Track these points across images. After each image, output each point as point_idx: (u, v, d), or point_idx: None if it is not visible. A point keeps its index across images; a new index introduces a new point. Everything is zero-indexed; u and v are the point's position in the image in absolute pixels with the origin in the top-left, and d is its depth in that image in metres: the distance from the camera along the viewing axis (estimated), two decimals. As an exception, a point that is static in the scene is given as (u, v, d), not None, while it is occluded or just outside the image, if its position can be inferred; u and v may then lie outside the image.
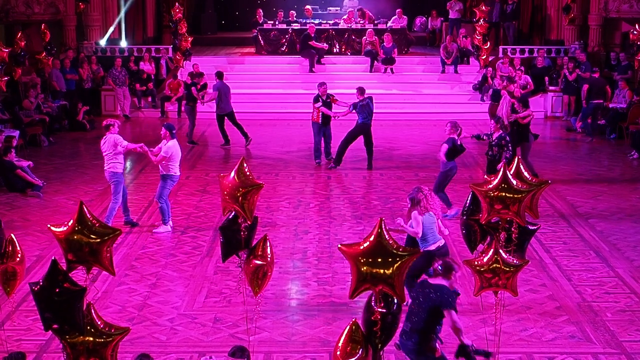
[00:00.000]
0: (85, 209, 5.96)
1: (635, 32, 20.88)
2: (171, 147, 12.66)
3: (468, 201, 7.32)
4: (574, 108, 22.03)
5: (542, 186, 6.94)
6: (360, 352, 5.69)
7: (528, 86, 21.01)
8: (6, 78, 18.78)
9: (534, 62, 23.40)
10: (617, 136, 20.03)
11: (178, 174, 12.89)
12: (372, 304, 5.82)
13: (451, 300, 7.16)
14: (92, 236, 5.77)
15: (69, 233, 5.79)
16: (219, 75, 19.35)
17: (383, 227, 5.68)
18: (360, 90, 16.74)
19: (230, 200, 6.86)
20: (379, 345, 5.81)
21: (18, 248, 6.78)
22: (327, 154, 17.25)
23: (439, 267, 7.30)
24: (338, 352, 5.72)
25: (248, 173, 6.99)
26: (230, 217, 7.15)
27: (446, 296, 7.15)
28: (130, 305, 10.09)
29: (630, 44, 21.43)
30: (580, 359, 8.71)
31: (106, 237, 5.82)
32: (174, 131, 12.82)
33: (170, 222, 12.91)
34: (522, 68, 22.32)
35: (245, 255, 7.25)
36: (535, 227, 7.36)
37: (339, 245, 5.89)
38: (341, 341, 5.76)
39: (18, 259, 6.75)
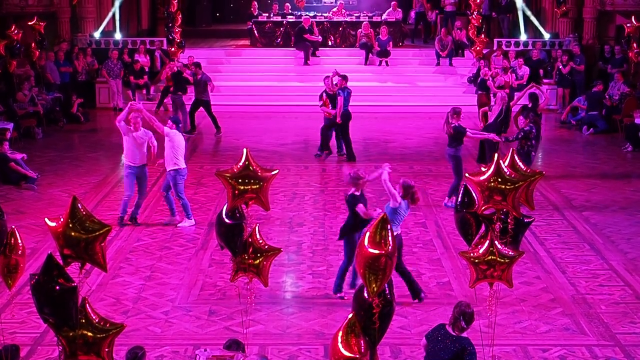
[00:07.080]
0: (79, 204, 5.91)
1: (629, 25, 20.89)
2: (174, 133, 12.63)
3: (460, 194, 7.27)
4: (568, 101, 22.06)
5: (536, 177, 6.90)
6: (363, 344, 5.61)
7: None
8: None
9: (529, 55, 23.37)
10: (611, 128, 19.98)
11: (184, 167, 12.73)
12: (366, 295, 5.73)
13: (473, 350, 6.99)
14: (82, 232, 5.71)
15: (62, 228, 5.74)
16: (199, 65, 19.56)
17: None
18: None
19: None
20: (378, 336, 5.75)
21: (19, 240, 6.74)
22: (339, 149, 17.31)
23: (463, 321, 6.99)
24: (341, 347, 5.55)
25: (252, 167, 6.91)
26: (237, 214, 7.05)
27: (468, 356, 6.94)
28: (124, 297, 10.10)
29: (626, 36, 21.40)
30: (574, 351, 8.74)
31: (95, 234, 5.73)
32: (180, 125, 13.07)
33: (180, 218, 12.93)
34: (521, 60, 22.32)
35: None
36: (530, 220, 7.34)
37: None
38: (340, 335, 5.63)
39: (20, 252, 6.71)
